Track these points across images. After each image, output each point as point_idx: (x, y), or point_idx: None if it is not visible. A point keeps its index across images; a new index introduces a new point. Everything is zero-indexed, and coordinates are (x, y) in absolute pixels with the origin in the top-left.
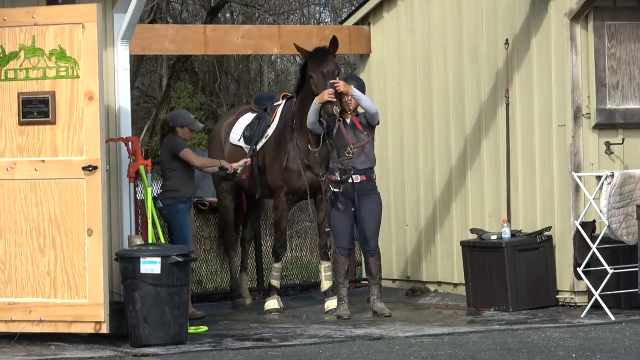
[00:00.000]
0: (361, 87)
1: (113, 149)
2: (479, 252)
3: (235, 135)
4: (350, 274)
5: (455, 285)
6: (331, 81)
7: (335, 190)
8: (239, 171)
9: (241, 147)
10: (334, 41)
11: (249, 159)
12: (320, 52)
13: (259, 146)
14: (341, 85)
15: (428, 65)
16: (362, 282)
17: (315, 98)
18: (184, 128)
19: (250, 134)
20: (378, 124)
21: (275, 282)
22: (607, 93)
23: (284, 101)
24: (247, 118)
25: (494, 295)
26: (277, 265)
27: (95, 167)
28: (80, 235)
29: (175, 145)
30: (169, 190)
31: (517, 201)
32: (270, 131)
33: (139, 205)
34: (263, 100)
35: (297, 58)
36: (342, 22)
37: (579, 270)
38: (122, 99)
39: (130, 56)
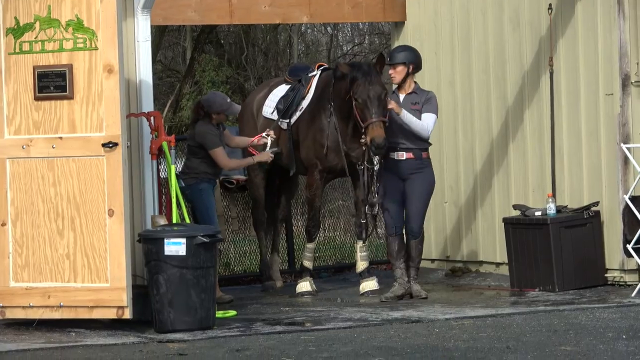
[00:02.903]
0: (415, 59)
1: (134, 125)
2: (522, 229)
3: (269, 109)
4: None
5: (498, 264)
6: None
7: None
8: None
9: (275, 120)
10: (381, 59)
11: (272, 132)
12: (366, 71)
13: (293, 119)
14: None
15: (467, 33)
16: None
17: None
18: (220, 114)
19: (284, 107)
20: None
21: (308, 264)
22: None
23: (319, 72)
24: (281, 90)
25: (539, 274)
26: (310, 245)
27: (116, 144)
28: (101, 215)
29: (208, 141)
30: (192, 170)
31: (562, 175)
32: (305, 103)
33: (162, 184)
34: (298, 71)
35: (329, 28)
36: None
37: (629, 247)
38: (144, 71)
39: (152, 27)
